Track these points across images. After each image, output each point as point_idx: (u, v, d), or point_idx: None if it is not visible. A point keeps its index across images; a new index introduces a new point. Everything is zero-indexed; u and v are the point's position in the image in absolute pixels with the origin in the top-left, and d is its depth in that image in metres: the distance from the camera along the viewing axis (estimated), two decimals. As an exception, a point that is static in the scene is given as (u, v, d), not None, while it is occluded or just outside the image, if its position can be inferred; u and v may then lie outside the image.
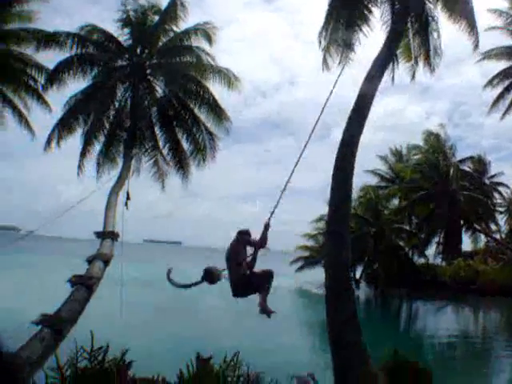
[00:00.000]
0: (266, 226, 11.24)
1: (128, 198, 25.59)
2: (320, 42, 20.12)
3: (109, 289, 20.26)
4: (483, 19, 46.56)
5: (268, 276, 10.95)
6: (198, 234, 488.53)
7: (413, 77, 21.51)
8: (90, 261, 17.30)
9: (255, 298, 9.35)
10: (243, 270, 10.85)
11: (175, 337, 27.02)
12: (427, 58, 20.74)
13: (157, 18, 27.87)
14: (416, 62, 21.12)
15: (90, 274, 16.37)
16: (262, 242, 11.30)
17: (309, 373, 10.81)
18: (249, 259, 10.89)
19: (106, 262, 17.92)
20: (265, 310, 10.31)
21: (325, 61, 20.05)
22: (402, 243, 61.53)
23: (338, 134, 15.29)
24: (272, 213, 11.52)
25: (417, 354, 14.38)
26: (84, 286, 15.24)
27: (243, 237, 11.17)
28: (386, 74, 17.40)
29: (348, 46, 19.52)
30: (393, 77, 20.99)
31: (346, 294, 13.69)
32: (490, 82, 49.52)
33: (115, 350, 10.45)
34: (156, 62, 28.07)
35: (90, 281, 15.67)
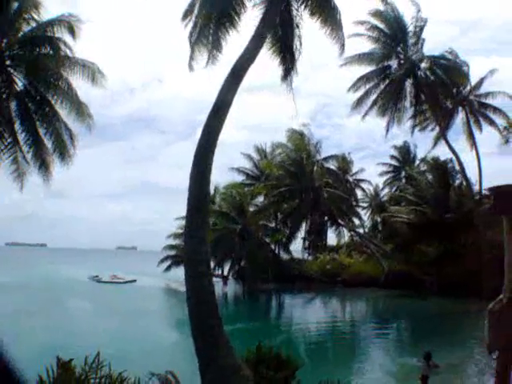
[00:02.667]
0: None
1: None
2: (190, 42, 20.07)
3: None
4: (349, 27, 48.71)
5: None
6: (64, 234, 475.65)
7: (285, 77, 21.76)
8: None
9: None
10: None
11: (35, 342, 25.91)
12: (289, 62, 21.08)
13: (17, 3, 26.40)
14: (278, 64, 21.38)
15: None
16: None
17: (167, 370, 10.64)
18: None
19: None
20: None
21: (191, 62, 19.93)
22: (267, 239, 62.34)
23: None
24: None
25: (284, 345, 14.47)
26: None
27: None
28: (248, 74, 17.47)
29: (216, 48, 19.49)
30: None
31: (206, 289, 13.61)
32: (353, 86, 51.56)
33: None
34: (16, 53, 26.55)
35: None
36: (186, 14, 20.17)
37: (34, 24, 26.74)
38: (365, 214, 76.67)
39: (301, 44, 20.93)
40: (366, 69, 51.44)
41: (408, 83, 51.54)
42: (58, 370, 9.15)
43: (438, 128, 54.02)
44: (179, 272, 51.26)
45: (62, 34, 26.67)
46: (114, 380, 8.98)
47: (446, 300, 43.05)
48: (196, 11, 19.79)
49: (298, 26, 20.64)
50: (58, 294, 51.40)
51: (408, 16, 50.99)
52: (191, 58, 19.87)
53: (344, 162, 68.70)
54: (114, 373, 9.01)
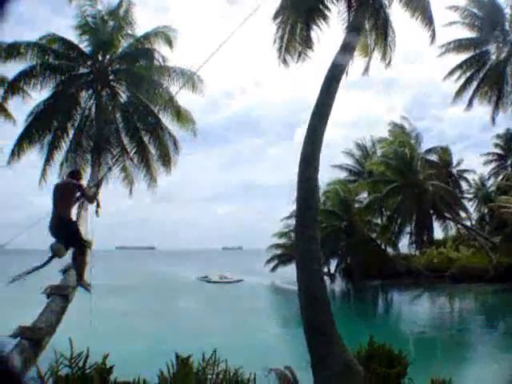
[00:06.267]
0: (99, 184, 13.89)
1: (98, 205, 25.35)
2: (275, 41, 20.34)
3: (85, 297, 20.21)
4: (442, 16, 47.84)
5: (84, 244, 11.89)
6: (171, 237, 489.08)
7: (366, 70, 21.80)
8: (65, 270, 17.14)
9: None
10: (68, 213, 11.60)
11: (152, 340, 27.07)
12: (383, 53, 21.02)
13: (113, 23, 27.70)
14: (370, 57, 21.35)
15: (65, 283, 16.22)
16: (93, 197, 12.82)
17: (286, 366, 10.90)
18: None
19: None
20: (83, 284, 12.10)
21: (283, 59, 20.19)
22: (373, 235, 61.90)
23: (302, 134, 15.40)
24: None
25: (393, 342, 14.63)
26: (60, 295, 15.11)
27: (79, 180, 12.23)
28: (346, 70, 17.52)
29: (306, 44, 19.65)
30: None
31: (318, 286, 13.86)
32: (451, 74, 50.48)
33: (95, 355, 10.47)
34: (118, 68, 27.83)
35: (66, 290, 15.55)
36: (277, 14, 20.41)
37: (131, 40, 28.05)
38: (471, 206, 74.74)
39: (394, 35, 20.94)
40: (462, 57, 50.38)
41: (509, 68, 49.92)
42: (177, 366, 9.73)
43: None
44: (286, 271, 51.93)
45: (159, 45, 27.85)
46: (231, 376, 9.44)
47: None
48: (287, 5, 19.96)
49: (388, 15, 20.52)
50: (171, 294, 53.16)
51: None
52: (283, 56, 20.15)
53: (445, 154, 67.36)
54: (230, 368, 9.47)
